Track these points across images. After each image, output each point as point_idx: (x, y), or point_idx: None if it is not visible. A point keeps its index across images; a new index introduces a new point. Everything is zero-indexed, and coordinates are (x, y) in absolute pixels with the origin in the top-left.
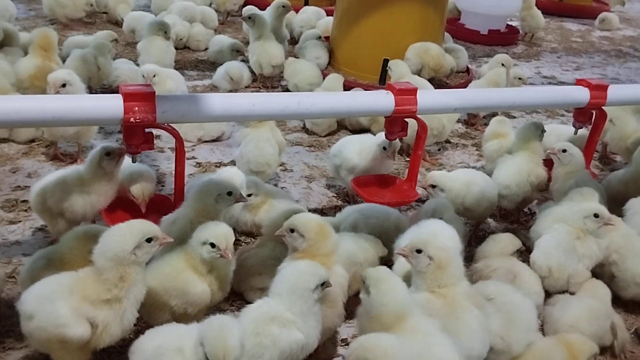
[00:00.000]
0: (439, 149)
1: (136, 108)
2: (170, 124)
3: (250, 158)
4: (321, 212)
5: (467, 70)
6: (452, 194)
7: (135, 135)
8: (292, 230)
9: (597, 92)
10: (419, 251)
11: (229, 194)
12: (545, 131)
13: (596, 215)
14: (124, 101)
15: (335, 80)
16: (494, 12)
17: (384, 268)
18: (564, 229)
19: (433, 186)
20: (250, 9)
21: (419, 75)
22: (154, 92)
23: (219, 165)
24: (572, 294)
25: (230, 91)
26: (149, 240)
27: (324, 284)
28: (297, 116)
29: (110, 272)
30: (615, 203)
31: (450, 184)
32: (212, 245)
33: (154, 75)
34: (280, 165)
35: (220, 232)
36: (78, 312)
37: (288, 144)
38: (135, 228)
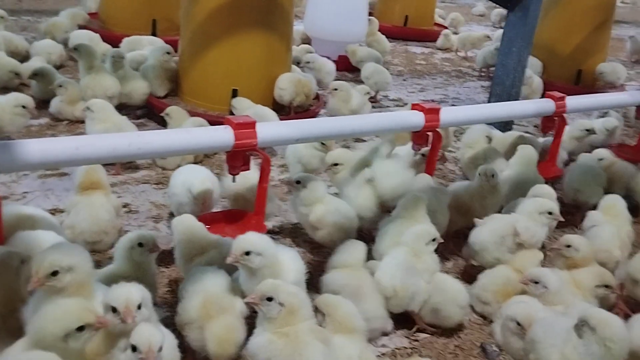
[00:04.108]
0: None
1: None
2: None
3: (84, 228)
4: (170, 253)
5: (317, 97)
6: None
7: None
8: None
9: (431, 116)
10: (269, 299)
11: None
12: None
13: (434, 240)
14: None
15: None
16: (342, 39)
17: None
18: (403, 248)
19: None
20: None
21: (291, 102)
22: None
23: (54, 212)
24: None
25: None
26: None
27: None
28: (128, 158)
29: None
30: (458, 212)
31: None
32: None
33: None
34: (124, 206)
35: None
36: None
37: (134, 182)
38: None
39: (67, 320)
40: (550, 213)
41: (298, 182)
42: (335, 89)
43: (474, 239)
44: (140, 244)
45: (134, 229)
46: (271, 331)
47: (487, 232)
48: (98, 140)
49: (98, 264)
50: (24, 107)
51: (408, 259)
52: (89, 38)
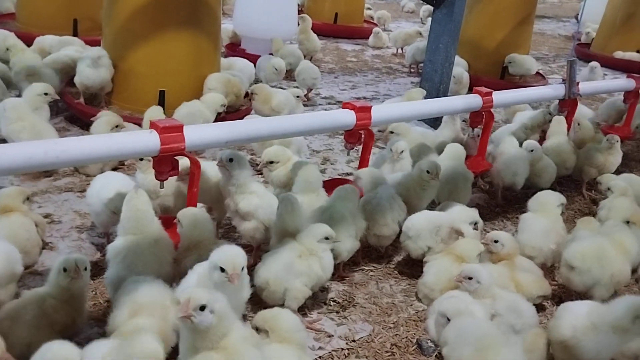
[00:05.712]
0: None
1: None
2: None
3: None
4: (95, 265)
5: (247, 95)
6: None
7: None
8: None
9: (362, 114)
10: (202, 308)
11: None
12: None
13: (327, 238)
14: None
15: None
16: (272, 37)
17: None
18: (288, 245)
19: None
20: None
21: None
22: None
23: None
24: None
25: None
26: None
27: None
28: (45, 167)
29: None
30: None
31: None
32: None
33: None
34: (46, 217)
35: None
36: None
37: (56, 190)
38: None
39: None
40: (475, 223)
41: (231, 159)
42: (255, 94)
43: (409, 223)
44: (64, 269)
45: (57, 241)
46: (208, 348)
47: (423, 219)
48: (11, 149)
49: (21, 282)
50: None
51: (291, 259)
52: (4, 37)
